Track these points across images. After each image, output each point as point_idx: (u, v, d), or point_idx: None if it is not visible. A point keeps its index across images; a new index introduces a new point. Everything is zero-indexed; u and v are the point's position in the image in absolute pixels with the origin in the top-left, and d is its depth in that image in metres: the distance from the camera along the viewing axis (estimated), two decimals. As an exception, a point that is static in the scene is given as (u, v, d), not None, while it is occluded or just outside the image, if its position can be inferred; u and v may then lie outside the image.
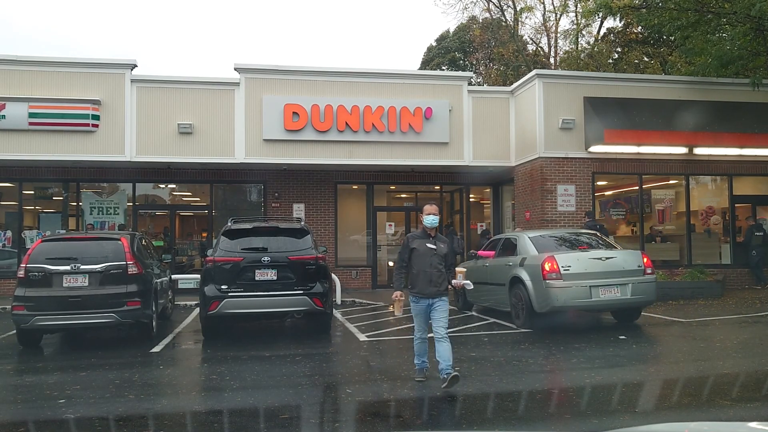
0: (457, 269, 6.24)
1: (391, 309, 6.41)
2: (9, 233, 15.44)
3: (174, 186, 16.84)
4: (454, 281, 6.16)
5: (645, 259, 9.57)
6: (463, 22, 29.96)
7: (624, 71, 22.68)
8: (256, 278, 8.83)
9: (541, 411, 5.38)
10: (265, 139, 14.26)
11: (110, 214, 15.80)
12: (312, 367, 7.29)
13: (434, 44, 33.51)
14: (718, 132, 14.01)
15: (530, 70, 17.41)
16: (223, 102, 14.34)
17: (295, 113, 14.18)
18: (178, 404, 5.89)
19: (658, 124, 13.95)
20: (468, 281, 6.20)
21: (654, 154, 14.49)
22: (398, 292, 6.21)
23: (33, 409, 5.64)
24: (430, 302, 6.06)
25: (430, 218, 6.18)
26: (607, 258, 9.36)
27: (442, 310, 6.05)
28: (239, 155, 14.33)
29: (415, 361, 6.35)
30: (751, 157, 14.90)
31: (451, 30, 32.40)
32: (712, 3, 14.73)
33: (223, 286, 8.74)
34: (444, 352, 5.85)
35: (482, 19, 28.71)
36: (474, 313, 11.51)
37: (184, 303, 13.12)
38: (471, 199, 18.28)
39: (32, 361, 8.12)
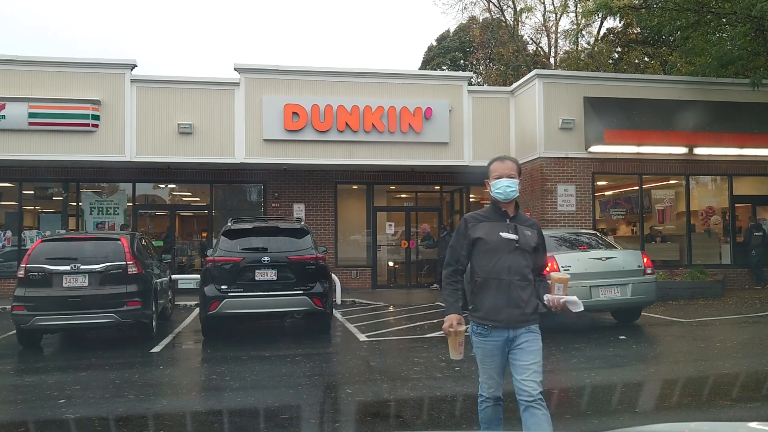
0: (555, 275, 3.51)
1: (449, 347, 3.60)
2: (9, 233, 15.44)
3: (174, 186, 16.84)
4: (548, 296, 3.45)
5: (645, 259, 9.57)
6: (463, 22, 29.97)
7: (624, 71, 22.68)
8: (256, 278, 8.83)
9: (541, 411, 5.37)
10: (265, 139, 14.26)
11: (110, 214, 15.80)
12: (312, 367, 7.28)
13: (435, 44, 33.52)
14: (718, 132, 14.01)
15: (530, 70, 17.41)
16: (223, 102, 14.34)
17: (295, 113, 14.18)
18: (178, 404, 5.89)
19: (658, 124, 13.95)
20: (574, 297, 3.41)
21: (654, 154, 14.49)
22: (454, 317, 3.45)
23: (33, 409, 5.63)
24: (509, 335, 3.41)
25: (504, 184, 3.46)
26: (607, 258, 9.37)
27: (531, 351, 3.39)
28: (239, 155, 14.33)
29: None
30: (751, 157, 14.90)
31: (452, 30, 32.42)
32: (712, 3, 14.73)
33: (223, 286, 8.74)
34: (540, 428, 3.29)
35: (482, 19, 28.71)
36: (474, 313, 11.49)
37: (184, 303, 13.12)
38: (471, 199, 18.26)
39: (32, 361, 8.11)
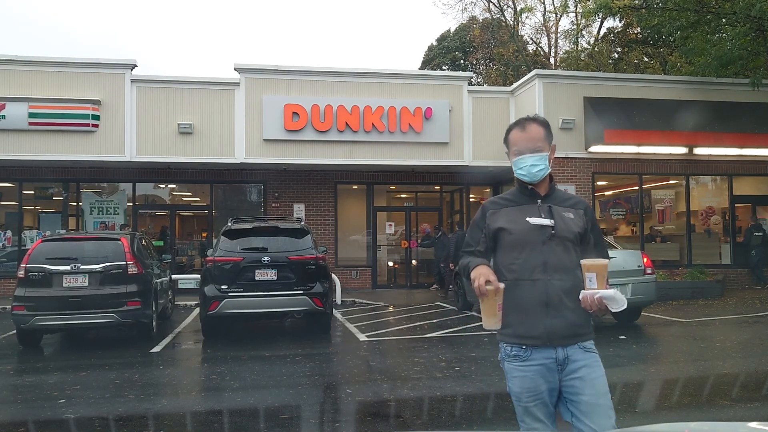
0: (587, 261, 2.51)
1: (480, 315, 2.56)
2: (9, 233, 15.44)
3: (174, 186, 16.84)
4: (582, 293, 2.49)
5: (645, 259, 9.59)
6: (463, 22, 29.99)
7: (624, 71, 22.68)
8: (256, 278, 8.83)
9: (541, 411, 5.37)
10: (265, 139, 14.26)
11: (110, 214, 15.80)
12: (312, 367, 7.28)
13: (435, 44, 33.52)
14: (718, 132, 14.01)
15: (530, 70, 17.41)
16: (223, 102, 14.34)
17: (295, 113, 14.18)
18: (178, 404, 5.89)
19: (658, 124, 13.95)
20: (613, 291, 2.47)
21: (654, 154, 14.49)
22: (484, 269, 2.50)
23: (33, 409, 5.63)
24: (558, 357, 2.55)
25: (528, 164, 2.60)
26: (607, 258, 9.36)
27: (594, 380, 2.55)
28: (239, 155, 14.33)
29: None
30: (751, 157, 14.91)
31: (452, 30, 32.42)
32: (712, 3, 14.74)
33: (223, 286, 8.74)
34: None
35: (482, 19, 28.72)
36: (474, 313, 11.50)
37: (184, 303, 13.12)
38: (471, 199, 18.26)
39: (32, 361, 8.12)
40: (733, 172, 15.36)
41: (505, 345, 2.62)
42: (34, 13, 65.13)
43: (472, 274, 2.47)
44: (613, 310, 2.46)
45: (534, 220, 2.57)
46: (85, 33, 67.66)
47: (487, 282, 2.39)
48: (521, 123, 2.67)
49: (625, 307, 2.47)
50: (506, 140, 2.70)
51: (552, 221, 2.57)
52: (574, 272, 2.54)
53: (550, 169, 2.63)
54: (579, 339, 2.60)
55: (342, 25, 68.45)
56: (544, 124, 2.67)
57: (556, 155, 2.54)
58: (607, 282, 2.46)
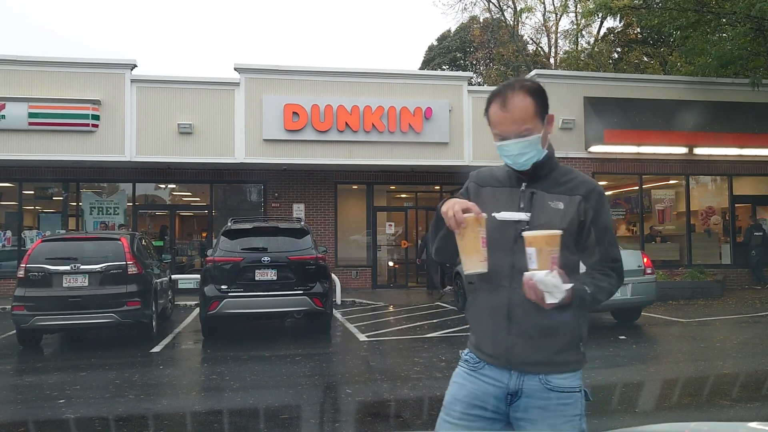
0: (527, 234, 1.88)
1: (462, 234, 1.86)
2: (9, 233, 15.44)
3: (174, 186, 16.83)
4: (525, 274, 1.86)
5: (645, 259, 9.59)
6: (464, 22, 30.01)
7: (624, 71, 22.68)
8: (256, 278, 8.83)
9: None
10: (265, 139, 14.26)
11: (110, 214, 15.79)
12: (312, 367, 7.28)
13: (435, 44, 33.55)
14: (718, 132, 14.02)
15: (530, 70, 17.42)
16: (223, 102, 14.33)
17: (295, 113, 14.18)
18: (178, 404, 5.89)
19: (658, 124, 13.96)
20: (550, 276, 1.81)
21: (654, 154, 14.50)
22: (455, 200, 1.90)
23: (33, 409, 5.63)
24: (509, 384, 1.97)
25: (511, 152, 1.99)
26: (607, 258, 9.36)
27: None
28: (239, 155, 14.32)
29: None
30: (751, 157, 14.91)
31: (452, 30, 32.44)
32: (712, 3, 14.74)
33: (223, 286, 8.74)
34: None
35: (482, 19, 28.74)
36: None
37: (184, 303, 13.12)
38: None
39: (32, 361, 8.12)
40: (733, 172, 15.37)
41: (464, 357, 2.10)
42: (34, 13, 65.16)
43: (443, 207, 1.89)
44: (546, 302, 1.82)
45: (503, 215, 1.97)
46: (85, 33, 67.67)
47: (465, 210, 1.85)
48: (502, 95, 1.96)
49: (557, 300, 1.81)
50: (486, 114, 2.02)
51: (528, 215, 1.97)
52: (559, 285, 1.86)
53: (545, 152, 2.01)
54: (547, 369, 1.93)
55: (342, 25, 68.47)
56: (534, 92, 1.96)
57: (556, 155, 2.01)
58: (555, 261, 1.82)
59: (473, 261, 1.87)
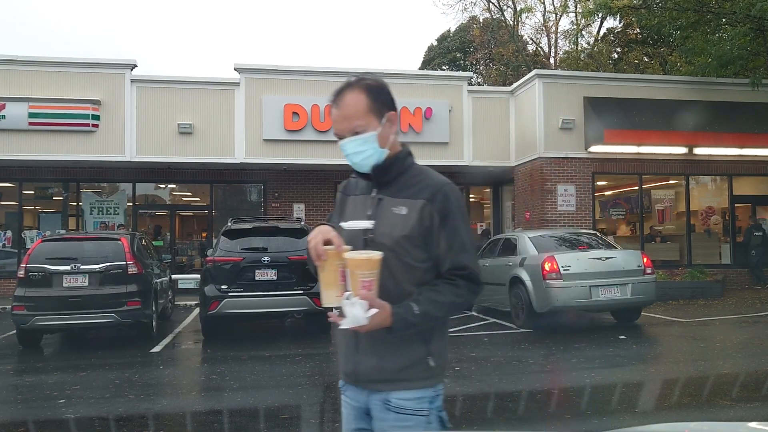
0: (345, 255, 1.78)
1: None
2: (9, 233, 15.44)
3: (174, 186, 16.83)
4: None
5: (645, 259, 9.59)
6: (463, 22, 30.01)
7: (624, 71, 22.69)
8: (256, 278, 8.84)
9: (541, 411, 5.38)
10: (265, 139, 14.26)
11: (110, 214, 15.79)
12: (312, 367, 7.28)
13: (435, 44, 33.53)
14: (718, 132, 14.02)
15: (530, 70, 17.41)
16: (223, 102, 14.33)
17: (295, 113, 14.18)
18: (178, 404, 5.89)
19: (658, 124, 13.95)
20: (351, 300, 1.72)
21: (654, 154, 14.49)
22: (323, 227, 1.83)
23: (33, 409, 5.63)
24: (362, 403, 1.94)
25: (348, 151, 1.90)
26: (606, 258, 9.37)
27: None
28: (239, 155, 14.32)
29: None
30: (751, 157, 14.91)
31: (452, 30, 32.43)
32: (712, 3, 14.74)
33: (223, 286, 8.74)
34: None
35: (482, 20, 28.74)
36: (474, 313, 11.50)
37: (184, 303, 13.12)
38: (471, 199, 18.27)
39: (32, 361, 8.12)
40: (733, 172, 15.37)
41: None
42: (34, 13, 65.15)
43: (309, 236, 1.84)
44: (341, 326, 1.75)
45: (349, 225, 1.91)
46: (86, 33, 67.67)
47: (327, 242, 1.77)
48: (337, 93, 1.92)
49: (353, 326, 1.72)
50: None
51: (372, 223, 1.88)
52: (396, 294, 1.80)
53: (386, 152, 1.88)
54: (389, 387, 1.84)
55: (342, 26, 68.47)
56: (369, 89, 1.88)
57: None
58: (366, 286, 1.72)
59: (331, 295, 1.78)
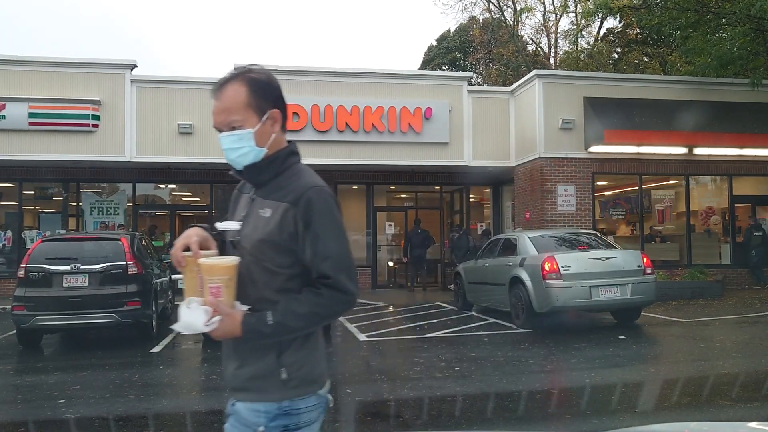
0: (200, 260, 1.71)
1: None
2: (9, 233, 15.44)
3: (174, 186, 16.83)
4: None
5: (645, 259, 9.59)
6: (463, 22, 30.01)
7: (624, 71, 22.69)
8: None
9: (541, 411, 5.38)
10: (265, 139, 14.23)
11: (110, 214, 15.79)
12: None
13: (435, 44, 33.53)
14: (718, 132, 14.01)
15: (530, 70, 17.42)
16: (223, 102, 14.30)
17: (295, 113, 14.17)
18: (178, 404, 5.89)
19: (657, 124, 13.95)
20: (191, 307, 1.69)
21: (654, 154, 14.49)
22: (188, 233, 1.79)
23: (33, 409, 5.63)
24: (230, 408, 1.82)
25: (224, 146, 1.92)
26: (606, 258, 9.37)
27: None
28: (239, 155, 14.30)
29: None
30: (751, 157, 14.91)
31: (452, 30, 32.43)
32: (712, 3, 14.75)
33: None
34: None
35: (482, 20, 28.74)
36: (474, 313, 11.51)
37: (184, 303, 13.10)
38: (471, 199, 18.26)
39: (32, 361, 8.12)
40: (733, 172, 15.36)
41: None
42: (34, 13, 65.17)
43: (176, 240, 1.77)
44: (174, 329, 1.72)
45: (222, 225, 1.84)
46: (86, 33, 67.69)
47: (187, 248, 1.70)
48: (218, 84, 1.86)
49: (183, 331, 1.70)
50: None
51: (240, 224, 1.82)
52: (255, 299, 1.73)
53: (264, 151, 1.85)
54: (241, 396, 1.78)
55: (342, 25, 68.49)
56: (252, 83, 1.83)
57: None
58: (214, 293, 1.67)
59: (191, 311, 1.70)
